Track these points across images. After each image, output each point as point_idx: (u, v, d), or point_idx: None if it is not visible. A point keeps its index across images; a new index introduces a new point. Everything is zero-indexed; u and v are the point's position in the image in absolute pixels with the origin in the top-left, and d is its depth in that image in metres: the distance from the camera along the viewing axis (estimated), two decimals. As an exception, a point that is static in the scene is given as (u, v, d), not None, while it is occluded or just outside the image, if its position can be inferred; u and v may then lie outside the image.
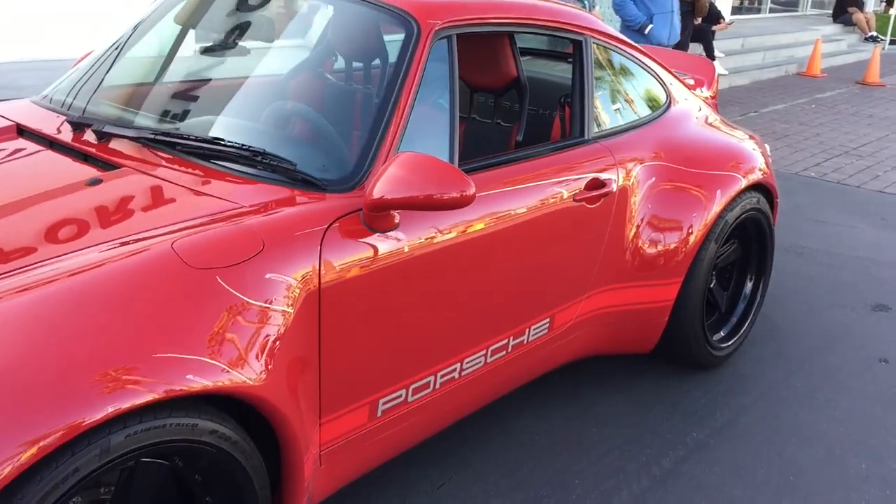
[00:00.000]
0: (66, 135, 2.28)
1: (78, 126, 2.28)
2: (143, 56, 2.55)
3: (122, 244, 1.74)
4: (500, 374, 2.54)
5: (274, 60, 2.51)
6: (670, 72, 3.41)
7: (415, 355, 2.19)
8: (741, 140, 3.42)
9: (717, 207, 3.00)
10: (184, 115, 2.34)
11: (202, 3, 2.67)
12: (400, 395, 2.20)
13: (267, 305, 1.76)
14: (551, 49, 3.82)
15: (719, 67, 9.10)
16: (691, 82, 3.87)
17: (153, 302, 1.61)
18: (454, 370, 2.35)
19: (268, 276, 1.78)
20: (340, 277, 1.92)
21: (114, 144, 2.20)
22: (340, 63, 2.57)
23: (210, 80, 2.52)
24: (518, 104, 2.86)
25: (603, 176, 2.71)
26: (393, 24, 2.29)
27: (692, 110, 3.40)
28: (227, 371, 1.64)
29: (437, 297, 2.19)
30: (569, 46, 3.15)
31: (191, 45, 2.57)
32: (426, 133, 2.26)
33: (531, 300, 2.55)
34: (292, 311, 1.82)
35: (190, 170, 2.07)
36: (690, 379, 3.21)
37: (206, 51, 2.52)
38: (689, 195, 2.98)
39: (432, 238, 2.13)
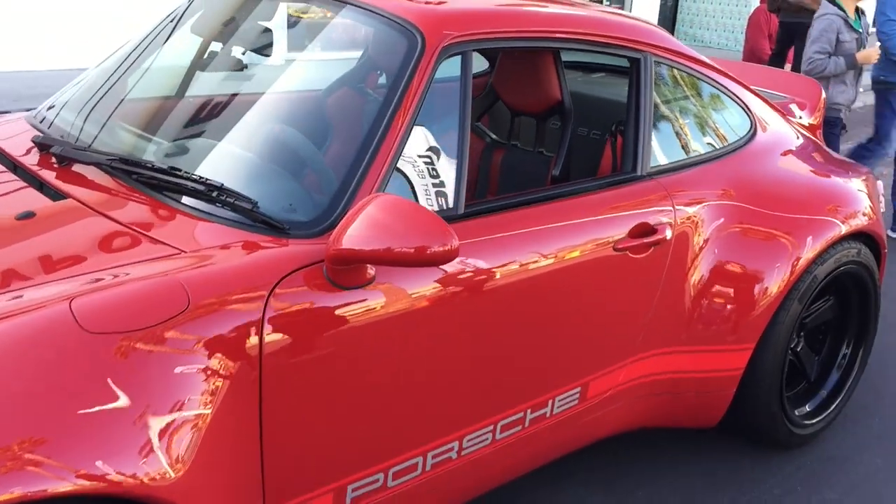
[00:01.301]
0: (33, 157, 2.05)
1: (44, 147, 2.04)
2: (138, 70, 2.30)
3: (16, 297, 1.46)
4: (514, 453, 2.13)
5: (267, 76, 2.21)
6: (759, 96, 2.92)
7: (395, 433, 1.83)
8: (844, 178, 2.88)
9: (803, 259, 2.49)
10: (154, 137, 2.06)
11: (211, 12, 2.40)
12: (377, 480, 1.84)
13: (184, 380, 1.44)
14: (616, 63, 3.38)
15: None
16: (793, 108, 3.36)
17: (30, 375, 1.32)
18: (450, 449, 1.97)
19: (189, 341, 1.47)
20: (290, 343, 1.58)
21: (77, 168, 1.95)
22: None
23: (194, 97, 2.23)
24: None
25: (655, 220, 2.27)
26: (394, 35, 1.95)
27: (785, 141, 2.89)
28: (119, 467, 1.33)
29: (425, 363, 1.82)
30: None
31: (189, 56, 2.30)
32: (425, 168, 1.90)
33: (555, 366, 2.14)
34: (221, 385, 1.49)
35: (141, 204, 1.79)
36: (765, 460, 2.70)
37: (200, 64, 2.24)
38: (768, 244, 2.49)
39: (419, 294, 1.76)
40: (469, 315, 1.88)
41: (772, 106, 2.99)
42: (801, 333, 2.79)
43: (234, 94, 2.12)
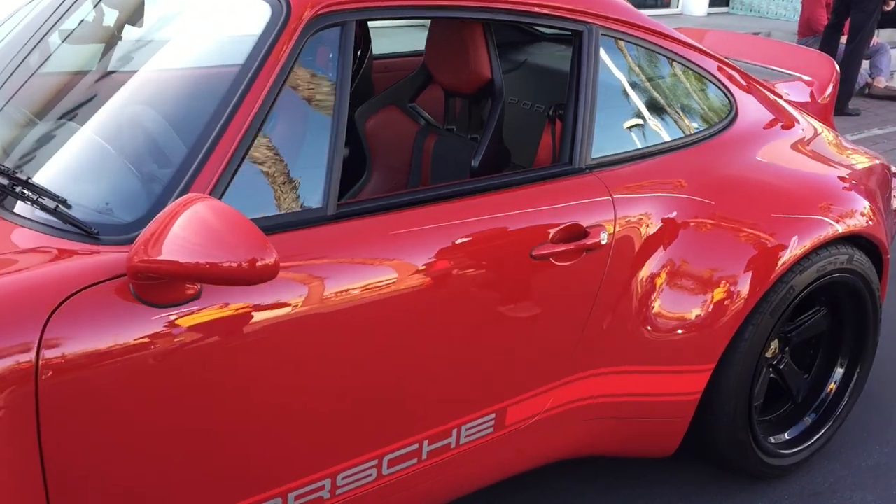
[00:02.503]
0: None
1: None
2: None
3: None
4: (408, 489, 1.85)
5: (108, 53, 1.93)
6: (745, 75, 2.54)
7: (240, 473, 1.57)
8: (844, 171, 2.49)
9: (777, 267, 2.13)
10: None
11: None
12: (219, 526, 1.58)
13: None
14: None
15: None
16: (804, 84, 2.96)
17: None
18: (320, 488, 1.69)
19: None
20: (73, 371, 1.32)
21: None
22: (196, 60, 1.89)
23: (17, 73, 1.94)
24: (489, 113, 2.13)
25: (588, 222, 1.94)
26: (252, 2, 1.65)
27: (774, 127, 2.51)
28: None
29: (268, 395, 1.55)
30: None
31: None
32: (287, 162, 1.62)
33: (458, 392, 1.85)
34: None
35: (-52, 200, 1.55)
36: (737, 494, 2.36)
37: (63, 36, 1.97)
38: (734, 249, 2.13)
39: (259, 316, 1.49)
40: (334, 339, 1.60)
41: (763, 86, 2.61)
42: (787, 348, 2.43)
43: (65, 74, 1.86)
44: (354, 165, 2.56)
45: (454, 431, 1.87)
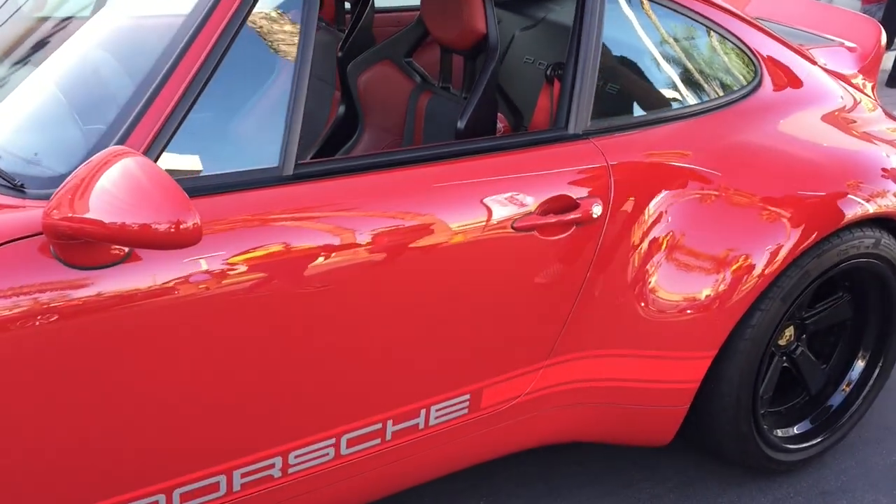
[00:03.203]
0: None
1: None
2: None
3: None
4: (371, 470, 1.74)
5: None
6: (775, 37, 2.33)
7: (177, 448, 1.47)
8: (890, 147, 2.27)
9: (790, 248, 1.94)
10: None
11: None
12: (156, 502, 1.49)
13: None
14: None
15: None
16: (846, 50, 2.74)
17: None
18: (269, 466, 1.59)
19: None
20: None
21: None
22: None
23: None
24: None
25: (579, 193, 1.79)
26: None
27: (804, 94, 2.30)
28: None
29: (207, 368, 1.44)
30: None
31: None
32: (237, 118, 1.50)
33: (427, 370, 1.72)
34: None
35: None
36: (739, 489, 2.21)
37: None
38: (744, 227, 1.95)
39: (200, 281, 1.38)
40: (281, 309, 1.48)
41: (795, 51, 2.40)
42: (803, 336, 2.26)
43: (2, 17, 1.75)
44: (350, 124, 2.43)
45: (422, 412, 1.75)
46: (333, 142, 2.41)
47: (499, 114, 2.13)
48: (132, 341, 1.35)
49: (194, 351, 1.41)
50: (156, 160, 1.37)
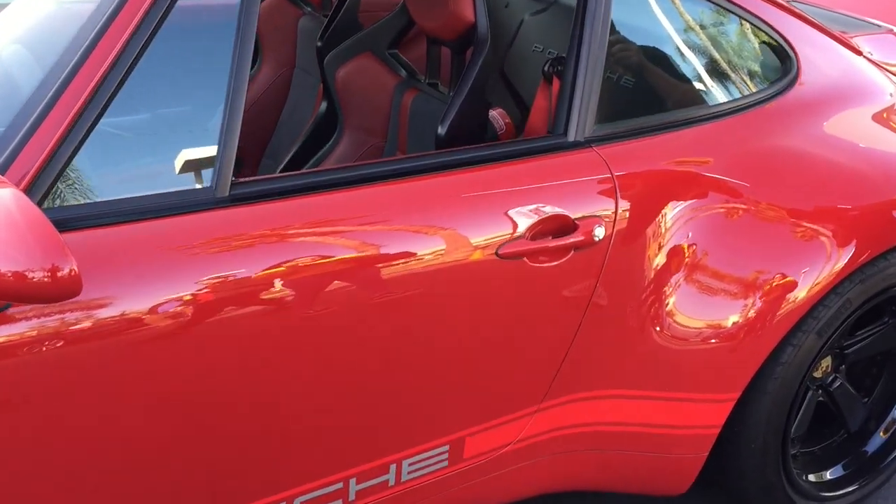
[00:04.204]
0: None
1: None
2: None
3: None
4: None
5: None
6: (814, 24, 2.03)
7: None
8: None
9: (829, 273, 1.66)
10: None
11: None
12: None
13: None
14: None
15: None
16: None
17: None
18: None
19: None
20: None
21: None
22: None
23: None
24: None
25: (579, 212, 1.52)
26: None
27: (847, 92, 2.00)
28: None
29: (140, 412, 1.21)
30: None
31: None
32: (163, 129, 1.25)
33: (396, 419, 1.47)
34: None
35: None
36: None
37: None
38: (773, 249, 1.67)
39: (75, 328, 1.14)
40: (218, 353, 1.24)
41: (838, 39, 2.10)
42: (842, 367, 1.98)
43: None
44: (331, 122, 2.17)
45: (392, 467, 1.50)
46: (313, 142, 2.16)
47: (502, 111, 1.87)
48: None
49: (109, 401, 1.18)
50: (54, 181, 1.13)
